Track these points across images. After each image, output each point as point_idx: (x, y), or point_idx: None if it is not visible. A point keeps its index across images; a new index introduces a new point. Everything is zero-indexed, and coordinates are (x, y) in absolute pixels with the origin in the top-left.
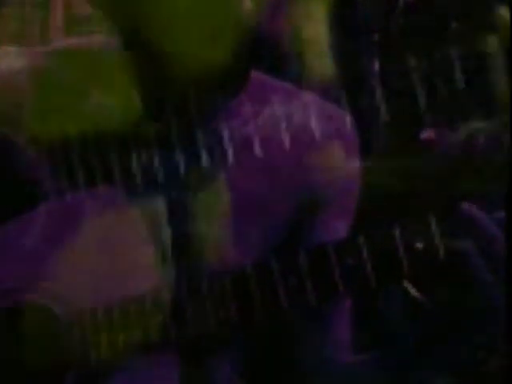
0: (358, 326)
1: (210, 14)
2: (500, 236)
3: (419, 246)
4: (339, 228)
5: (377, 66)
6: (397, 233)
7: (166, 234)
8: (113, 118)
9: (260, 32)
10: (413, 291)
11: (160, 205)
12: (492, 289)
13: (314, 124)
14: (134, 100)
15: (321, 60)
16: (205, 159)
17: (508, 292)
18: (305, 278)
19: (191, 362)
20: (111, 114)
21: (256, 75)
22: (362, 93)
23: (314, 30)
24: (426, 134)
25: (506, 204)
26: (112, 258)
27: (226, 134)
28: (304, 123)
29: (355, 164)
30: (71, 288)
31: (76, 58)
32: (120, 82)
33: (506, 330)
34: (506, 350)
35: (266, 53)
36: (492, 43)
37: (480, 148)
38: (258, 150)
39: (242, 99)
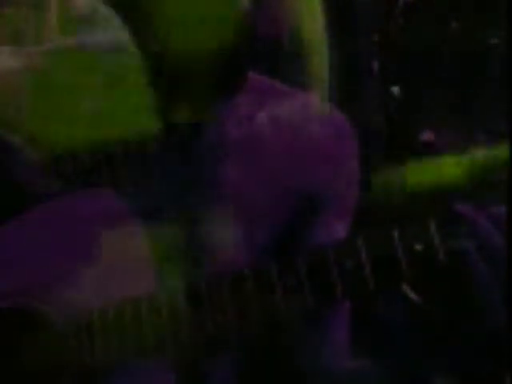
0: (357, 329)
1: (209, 15)
2: (500, 236)
3: (418, 247)
4: (338, 229)
5: (376, 65)
6: (396, 234)
7: (164, 235)
8: (112, 119)
9: (258, 32)
10: (412, 294)
11: (158, 206)
12: (492, 289)
13: (312, 125)
14: (132, 100)
15: (320, 60)
16: (202, 160)
17: (509, 292)
18: (303, 279)
19: (188, 365)
20: (110, 114)
21: (253, 76)
22: (362, 93)
23: (313, 30)
24: (426, 135)
25: (507, 204)
26: (109, 260)
27: (223, 134)
28: (302, 124)
29: (354, 165)
30: (67, 291)
31: (73, 58)
32: (117, 83)
33: (507, 330)
34: (507, 350)
35: (264, 54)
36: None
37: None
38: (255, 151)
39: (239, 100)
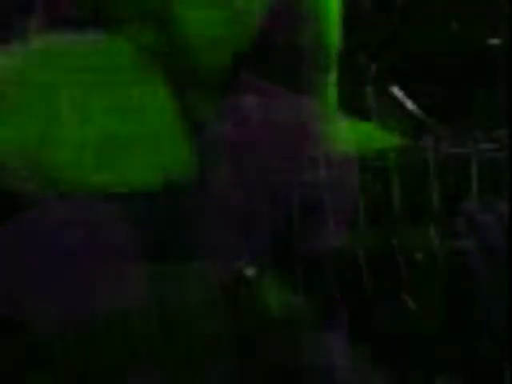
0: (355, 336)
1: (213, 17)
2: (501, 234)
3: (418, 255)
4: (337, 233)
5: (374, 67)
6: (395, 240)
7: (154, 242)
8: (96, 120)
9: (257, 36)
10: (410, 302)
11: (147, 212)
12: (492, 289)
13: (308, 127)
14: (120, 101)
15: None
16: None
17: (509, 292)
18: (301, 283)
19: (180, 376)
20: (95, 115)
21: (249, 79)
22: (360, 95)
23: (311, 32)
24: (426, 137)
25: (508, 205)
26: (96, 269)
27: (218, 136)
28: (298, 126)
29: (352, 167)
30: (54, 301)
31: (58, 58)
32: (102, 82)
33: (507, 330)
34: (508, 350)
35: (262, 57)
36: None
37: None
38: (250, 152)
39: (235, 102)
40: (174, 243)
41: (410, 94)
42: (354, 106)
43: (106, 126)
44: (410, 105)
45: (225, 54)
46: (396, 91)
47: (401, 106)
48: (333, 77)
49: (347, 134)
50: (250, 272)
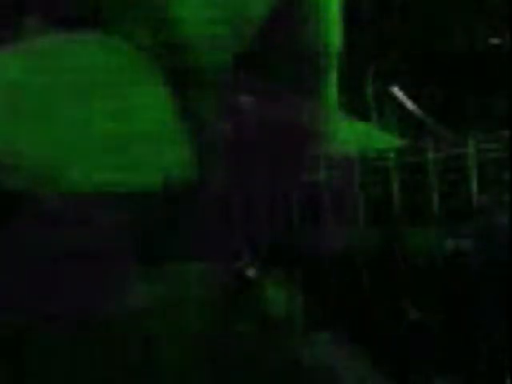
0: (355, 336)
1: (213, 19)
2: (503, 237)
3: (418, 256)
4: (336, 235)
5: (374, 67)
6: (395, 240)
7: (154, 242)
8: (96, 120)
9: (257, 36)
10: (411, 308)
11: (146, 212)
12: (493, 289)
13: (308, 127)
14: (120, 101)
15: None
16: (197, 163)
17: (509, 293)
18: (300, 286)
19: (179, 376)
20: (95, 115)
21: (249, 79)
22: (360, 95)
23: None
24: (426, 137)
25: (509, 206)
26: (95, 269)
27: (218, 136)
28: (297, 126)
29: (350, 167)
30: (50, 301)
31: (58, 58)
32: (102, 82)
33: (507, 332)
34: (508, 350)
35: (262, 57)
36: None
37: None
38: (250, 152)
39: (235, 102)
40: (174, 243)
41: (410, 95)
42: (353, 106)
43: (105, 125)
44: (410, 105)
45: (225, 54)
46: (396, 91)
47: (401, 106)
48: (333, 77)
49: (347, 134)
50: (250, 272)
